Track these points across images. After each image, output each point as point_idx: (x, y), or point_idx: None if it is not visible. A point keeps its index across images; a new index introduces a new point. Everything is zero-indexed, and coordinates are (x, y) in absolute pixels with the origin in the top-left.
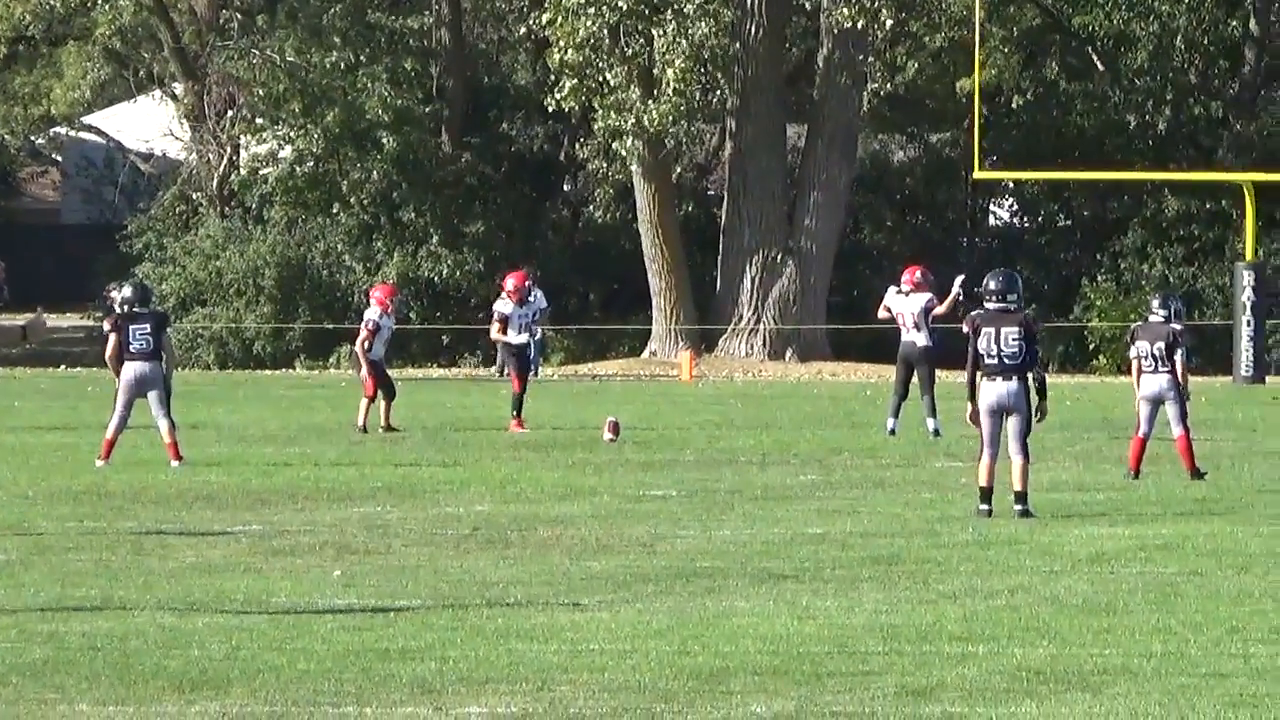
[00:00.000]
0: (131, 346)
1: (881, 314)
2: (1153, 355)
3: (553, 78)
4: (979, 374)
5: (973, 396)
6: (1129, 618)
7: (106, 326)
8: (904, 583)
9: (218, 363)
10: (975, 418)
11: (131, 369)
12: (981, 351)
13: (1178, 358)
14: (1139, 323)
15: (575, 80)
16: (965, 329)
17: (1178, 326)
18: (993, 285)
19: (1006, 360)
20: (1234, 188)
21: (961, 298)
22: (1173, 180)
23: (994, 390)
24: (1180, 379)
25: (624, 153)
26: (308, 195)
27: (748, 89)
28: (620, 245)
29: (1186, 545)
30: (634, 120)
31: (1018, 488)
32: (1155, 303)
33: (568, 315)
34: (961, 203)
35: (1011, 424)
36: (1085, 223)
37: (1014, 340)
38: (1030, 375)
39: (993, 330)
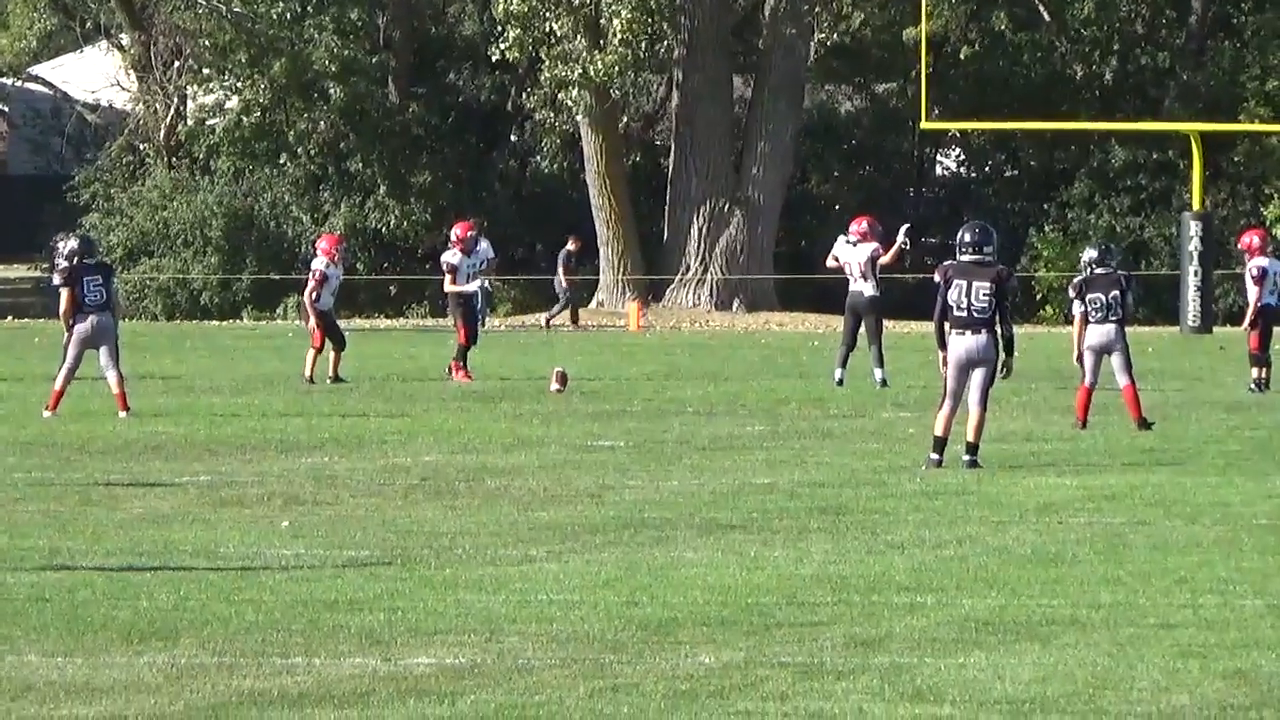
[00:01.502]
0: (87, 299)
1: (830, 263)
2: (1106, 304)
3: (499, 28)
4: (947, 325)
5: (942, 344)
6: (1077, 568)
7: (57, 281)
8: (852, 533)
9: (165, 313)
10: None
11: (88, 321)
12: (951, 303)
13: (1129, 300)
14: (1084, 276)
15: (520, 30)
16: (937, 278)
17: (1123, 275)
18: (967, 237)
19: (976, 314)
20: (1181, 138)
21: (907, 246)
22: (1119, 130)
23: (962, 343)
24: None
25: (570, 103)
26: (255, 146)
27: (694, 39)
28: (568, 196)
29: (1134, 495)
30: (580, 71)
31: (970, 439)
32: (1094, 255)
33: (515, 266)
34: (908, 153)
35: (976, 376)
36: (1032, 173)
37: (985, 295)
38: (999, 330)
39: (964, 283)
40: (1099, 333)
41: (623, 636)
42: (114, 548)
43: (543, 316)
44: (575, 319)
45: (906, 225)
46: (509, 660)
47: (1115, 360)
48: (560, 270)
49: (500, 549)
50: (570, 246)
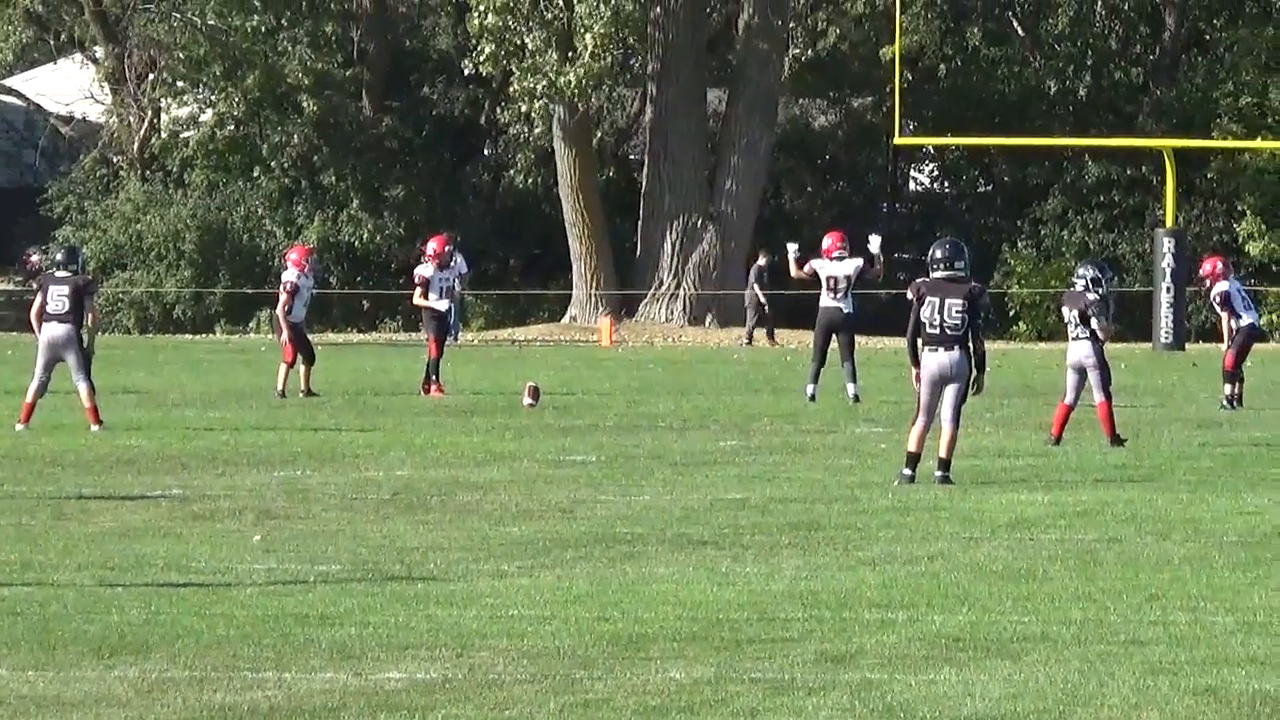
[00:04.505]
0: (49, 307)
1: (805, 272)
2: (1073, 320)
3: (474, 42)
4: (920, 342)
5: (915, 361)
6: (1048, 585)
7: (35, 285)
8: (823, 549)
9: (138, 327)
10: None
11: (47, 330)
12: (924, 320)
13: (1094, 325)
14: (1067, 290)
15: (494, 45)
16: (909, 295)
17: (1092, 296)
18: (939, 254)
19: (948, 330)
20: (1154, 154)
21: (881, 259)
22: (1093, 146)
23: (935, 360)
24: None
25: (534, 115)
26: (228, 159)
27: (668, 53)
28: (541, 210)
29: (1106, 512)
30: (547, 83)
31: (943, 455)
32: (1078, 270)
33: (488, 280)
34: (882, 168)
35: (949, 392)
36: (1006, 189)
37: (957, 312)
38: (971, 346)
39: (937, 300)
40: (1073, 350)
41: (593, 652)
42: (85, 561)
43: (743, 333)
44: (771, 335)
45: (878, 238)
46: (480, 675)
47: (1091, 377)
48: (755, 286)
49: (471, 564)
50: (760, 261)
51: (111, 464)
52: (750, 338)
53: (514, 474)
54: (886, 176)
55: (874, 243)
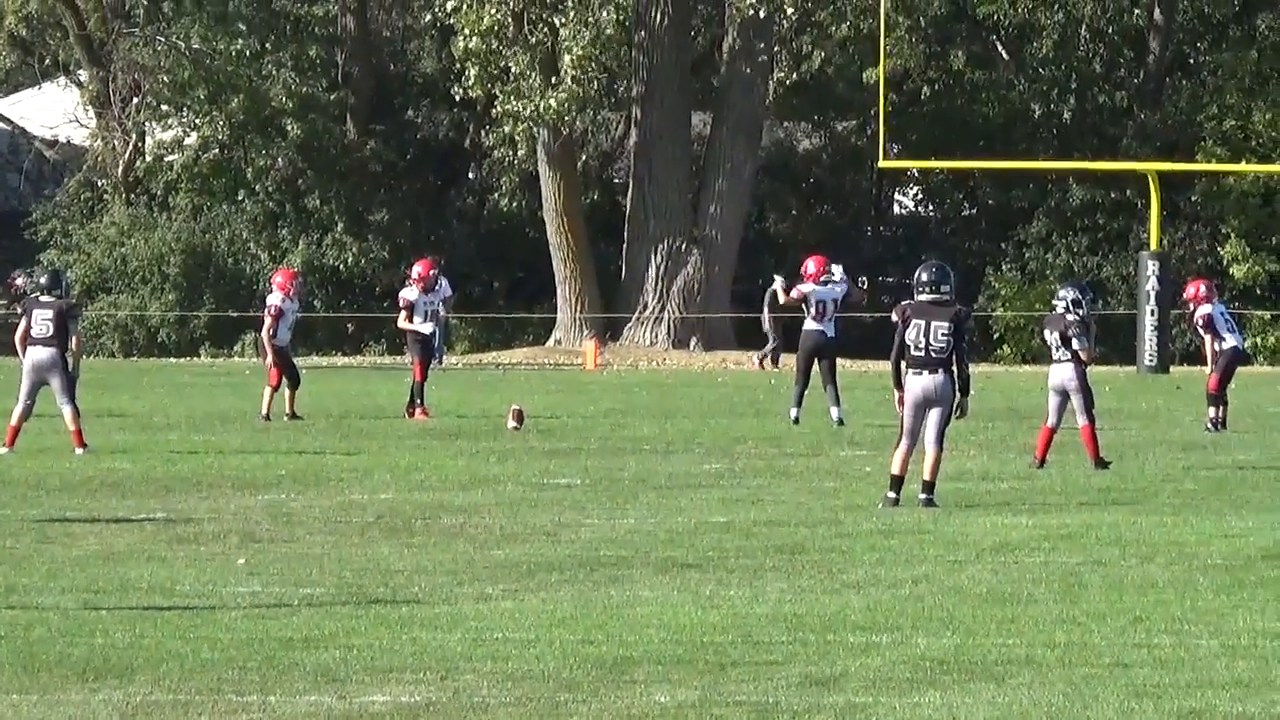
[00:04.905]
0: (33, 331)
1: (794, 297)
2: (1056, 344)
3: (458, 66)
4: (904, 365)
5: (899, 384)
6: (1033, 607)
7: (19, 309)
8: (808, 572)
9: (122, 350)
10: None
11: (31, 354)
12: (909, 343)
13: (1075, 347)
14: (1049, 312)
15: (479, 69)
16: (894, 317)
17: (1071, 318)
18: (925, 277)
19: (934, 353)
20: (1138, 177)
21: (864, 282)
22: (1078, 170)
23: (919, 383)
24: (1079, 364)
25: (516, 138)
26: (213, 182)
27: (652, 76)
28: (525, 234)
29: (1090, 535)
30: (531, 107)
31: (927, 477)
32: (1059, 292)
33: (472, 303)
34: (866, 191)
35: (933, 415)
36: (990, 212)
37: (943, 335)
38: (955, 369)
39: (923, 322)
40: (1055, 373)
41: (578, 675)
42: (69, 585)
43: (755, 356)
44: (775, 360)
45: (839, 266)
46: (464, 698)
47: (1074, 400)
48: (766, 311)
49: (456, 587)
50: (775, 286)
51: (96, 487)
52: (761, 362)
53: (498, 497)
54: (871, 199)
55: (836, 271)
